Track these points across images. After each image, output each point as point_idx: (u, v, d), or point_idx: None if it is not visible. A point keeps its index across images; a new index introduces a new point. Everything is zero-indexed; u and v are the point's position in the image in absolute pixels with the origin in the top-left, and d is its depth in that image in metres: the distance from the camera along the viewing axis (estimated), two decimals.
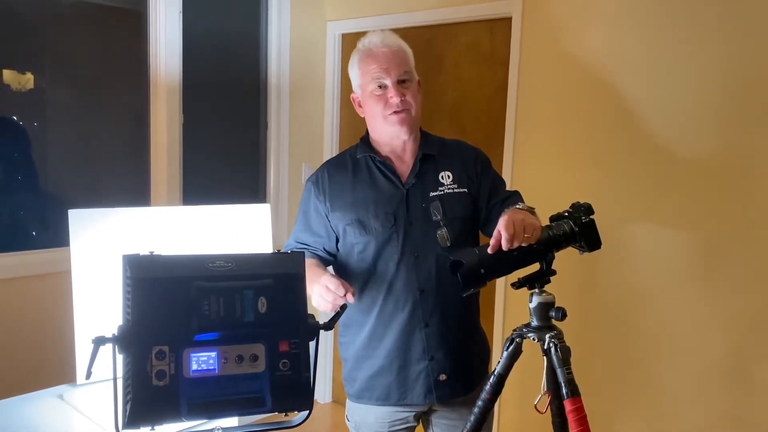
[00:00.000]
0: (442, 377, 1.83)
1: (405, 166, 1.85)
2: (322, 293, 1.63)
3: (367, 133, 1.91)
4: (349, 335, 1.92)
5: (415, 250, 1.79)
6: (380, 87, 1.78)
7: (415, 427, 1.95)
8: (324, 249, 1.89)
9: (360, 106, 1.87)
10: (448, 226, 1.78)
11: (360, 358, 1.89)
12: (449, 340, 1.83)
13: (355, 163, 1.88)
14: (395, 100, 1.76)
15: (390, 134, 1.82)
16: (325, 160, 2.02)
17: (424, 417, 1.94)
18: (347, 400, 1.97)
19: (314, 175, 1.93)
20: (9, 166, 2.75)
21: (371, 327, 1.84)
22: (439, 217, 1.78)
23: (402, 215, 1.79)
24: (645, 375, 2.62)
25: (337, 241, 1.87)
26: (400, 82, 1.77)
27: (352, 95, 1.89)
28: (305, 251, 1.79)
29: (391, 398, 1.86)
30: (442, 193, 1.81)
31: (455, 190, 1.82)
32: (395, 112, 1.77)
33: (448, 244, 1.78)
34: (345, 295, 1.61)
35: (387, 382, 1.85)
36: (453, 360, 1.84)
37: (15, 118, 2.77)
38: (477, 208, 1.87)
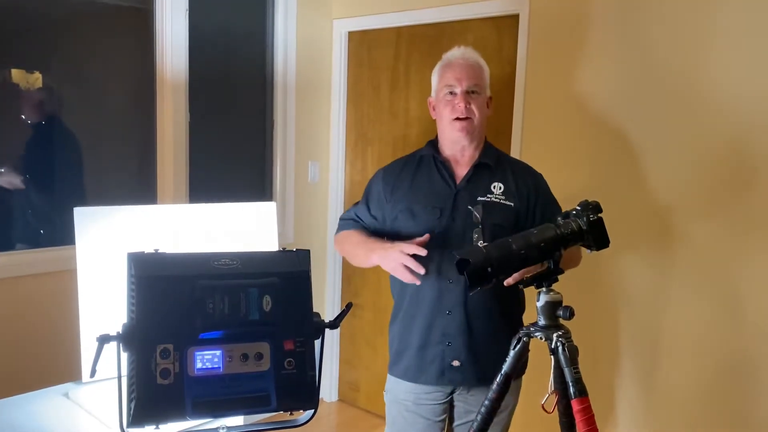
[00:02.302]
0: (456, 363, 1.94)
1: (461, 169, 2.00)
2: (397, 269, 1.84)
3: (437, 137, 2.07)
4: (394, 308, 2.10)
5: (453, 245, 1.88)
6: (450, 93, 1.95)
7: (444, 404, 2.03)
8: (375, 231, 2.07)
9: (434, 109, 2.04)
10: (485, 228, 1.90)
11: (395, 333, 2.07)
12: (468, 330, 1.93)
13: (420, 160, 2.06)
14: (461, 106, 1.92)
15: (452, 138, 1.98)
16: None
17: (453, 397, 2.04)
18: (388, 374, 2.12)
19: (387, 167, 2.12)
20: (16, 164, 2.76)
21: (406, 306, 2.02)
22: (479, 218, 1.91)
23: (448, 212, 1.94)
24: (652, 374, 2.61)
25: (386, 232, 2.05)
26: (469, 93, 1.94)
27: (429, 99, 2.07)
28: (353, 227, 2.08)
29: (408, 375, 2.01)
30: (489, 199, 1.94)
31: (501, 201, 1.95)
32: (458, 119, 1.93)
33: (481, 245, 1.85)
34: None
35: (408, 359, 2.00)
36: (468, 348, 1.93)
37: (23, 116, 2.78)
38: (520, 224, 1.96)
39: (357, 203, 2.15)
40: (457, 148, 1.99)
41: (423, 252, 1.81)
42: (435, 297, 1.94)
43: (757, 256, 2.34)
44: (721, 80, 2.38)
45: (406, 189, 2.01)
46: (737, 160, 2.36)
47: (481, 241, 1.86)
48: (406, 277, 1.84)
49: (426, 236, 1.86)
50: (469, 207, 1.92)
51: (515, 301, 2.02)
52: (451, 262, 1.85)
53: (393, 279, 2.06)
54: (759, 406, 2.37)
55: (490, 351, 1.92)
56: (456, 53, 2.01)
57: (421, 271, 1.81)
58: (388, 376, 2.11)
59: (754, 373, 2.38)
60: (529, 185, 2.00)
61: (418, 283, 1.85)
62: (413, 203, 1.97)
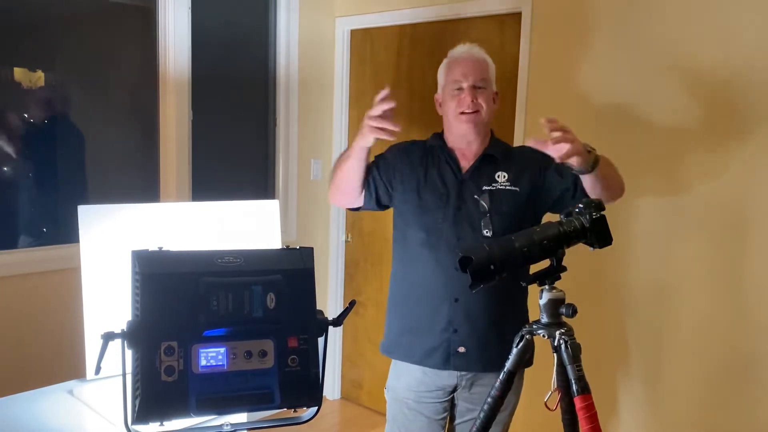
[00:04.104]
0: (461, 349, 1.95)
1: (466, 161, 2.01)
2: (375, 133, 1.81)
3: (443, 130, 2.07)
4: (394, 292, 2.09)
5: (459, 233, 1.92)
6: (458, 89, 1.96)
7: (445, 402, 2.03)
8: (374, 181, 2.04)
9: (440, 105, 2.05)
10: (492, 217, 1.91)
11: (397, 315, 2.07)
12: (474, 318, 1.94)
13: (426, 148, 2.07)
14: (467, 100, 1.93)
15: (459, 133, 1.99)
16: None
17: (454, 396, 2.04)
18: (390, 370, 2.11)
19: (401, 145, 2.09)
20: (19, 162, 2.76)
21: (408, 288, 2.02)
22: (486, 207, 1.92)
23: (453, 199, 1.95)
24: (655, 372, 2.61)
25: (380, 200, 2.05)
26: (476, 88, 1.95)
27: (435, 95, 2.08)
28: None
29: (414, 356, 2.00)
30: (494, 188, 1.95)
31: (507, 188, 1.96)
32: (464, 113, 1.94)
33: (490, 234, 1.90)
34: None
35: (412, 341, 2.00)
36: (475, 336, 1.95)
37: (26, 114, 2.78)
38: (531, 206, 1.97)
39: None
40: (464, 142, 2.00)
41: (390, 104, 1.78)
42: (442, 284, 1.94)
43: (759, 254, 2.34)
44: (723, 77, 2.38)
45: (417, 171, 2.02)
46: (745, 158, 2.36)
47: (489, 230, 1.89)
48: (385, 134, 1.80)
49: (386, 90, 1.81)
50: (476, 197, 1.93)
51: (520, 290, 2.01)
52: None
53: (395, 262, 2.08)
54: (765, 405, 2.37)
55: (496, 338, 1.93)
56: (462, 49, 2.03)
57: (398, 128, 1.79)
58: (389, 372, 2.10)
59: (759, 371, 2.38)
60: (536, 160, 1.96)
61: (398, 129, 1.80)
62: (421, 186, 1.99)
